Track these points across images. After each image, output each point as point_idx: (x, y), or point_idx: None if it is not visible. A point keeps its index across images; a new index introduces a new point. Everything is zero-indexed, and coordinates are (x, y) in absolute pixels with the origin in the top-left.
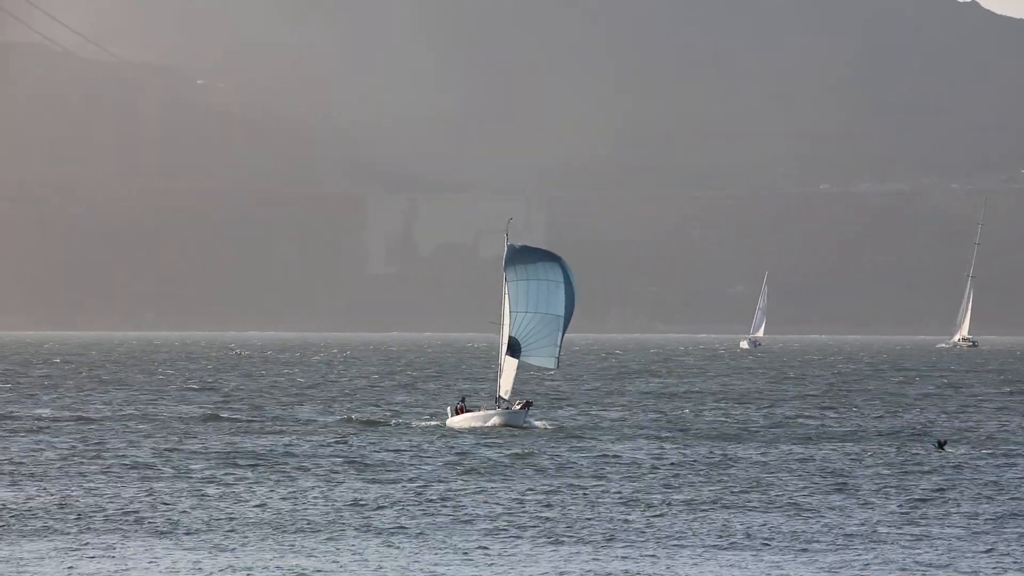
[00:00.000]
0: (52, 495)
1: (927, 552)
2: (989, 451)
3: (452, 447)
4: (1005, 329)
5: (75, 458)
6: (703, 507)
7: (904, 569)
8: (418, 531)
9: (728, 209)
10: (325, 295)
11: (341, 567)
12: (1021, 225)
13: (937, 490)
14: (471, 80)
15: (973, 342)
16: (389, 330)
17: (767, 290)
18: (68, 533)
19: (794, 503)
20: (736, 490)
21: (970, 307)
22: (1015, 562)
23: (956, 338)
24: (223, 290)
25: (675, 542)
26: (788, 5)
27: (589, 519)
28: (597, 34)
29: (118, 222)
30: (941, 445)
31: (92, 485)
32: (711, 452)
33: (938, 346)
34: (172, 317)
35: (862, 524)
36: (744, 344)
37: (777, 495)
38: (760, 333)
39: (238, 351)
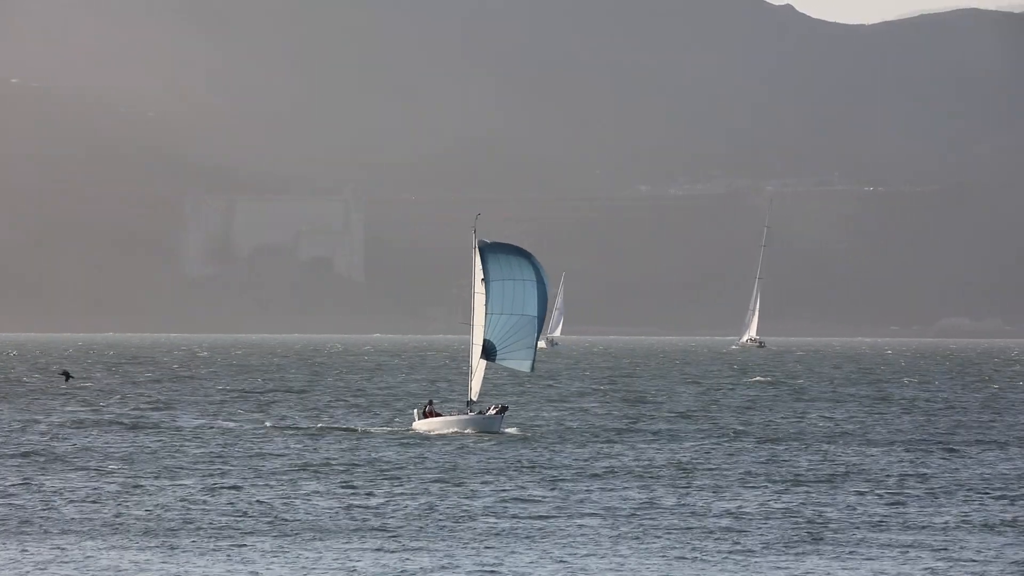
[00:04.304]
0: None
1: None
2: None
3: (427, 453)
4: (821, 330)
5: None
6: (673, 509)
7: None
8: (393, 538)
9: (546, 210)
10: (141, 297)
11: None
12: (835, 228)
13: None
14: (291, 80)
15: (760, 342)
16: (202, 331)
17: (563, 291)
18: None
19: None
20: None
21: (757, 308)
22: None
23: (744, 338)
24: (37, 290)
25: (652, 543)
26: (612, 10)
27: (583, 526)
28: (424, 34)
29: None
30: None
31: None
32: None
33: (731, 347)
34: None
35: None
36: (541, 343)
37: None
38: (557, 333)
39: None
